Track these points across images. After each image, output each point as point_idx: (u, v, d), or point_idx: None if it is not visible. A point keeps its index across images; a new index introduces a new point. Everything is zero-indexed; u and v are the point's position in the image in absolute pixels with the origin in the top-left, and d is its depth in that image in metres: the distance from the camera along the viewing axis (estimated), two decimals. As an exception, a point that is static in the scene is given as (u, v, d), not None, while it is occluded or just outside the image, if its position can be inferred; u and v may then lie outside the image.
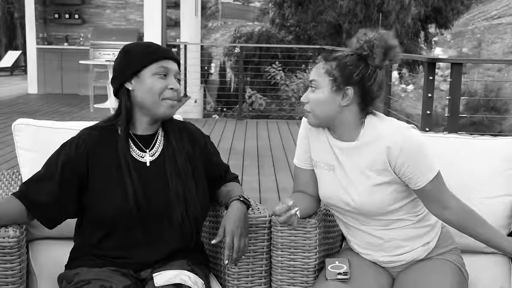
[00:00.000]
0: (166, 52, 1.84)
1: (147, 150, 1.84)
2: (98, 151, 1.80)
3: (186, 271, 1.76)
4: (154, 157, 1.84)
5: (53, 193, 1.75)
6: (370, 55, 1.75)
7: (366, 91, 1.76)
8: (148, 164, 1.83)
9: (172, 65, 1.82)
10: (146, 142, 1.85)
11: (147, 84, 1.79)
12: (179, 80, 1.86)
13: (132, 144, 1.83)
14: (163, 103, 1.80)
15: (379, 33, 1.77)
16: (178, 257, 1.82)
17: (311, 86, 1.80)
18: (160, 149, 1.85)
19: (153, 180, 1.81)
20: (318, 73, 1.79)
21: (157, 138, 1.87)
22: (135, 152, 1.83)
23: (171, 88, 1.80)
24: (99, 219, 1.77)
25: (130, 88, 1.81)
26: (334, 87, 1.76)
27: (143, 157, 1.83)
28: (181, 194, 1.80)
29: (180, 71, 1.87)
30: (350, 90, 1.75)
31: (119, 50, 1.88)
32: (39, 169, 1.81)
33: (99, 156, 1.80)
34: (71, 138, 1.84)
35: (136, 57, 1.81)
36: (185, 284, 1.70)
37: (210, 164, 1.95)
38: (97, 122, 1.90)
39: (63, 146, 1.83)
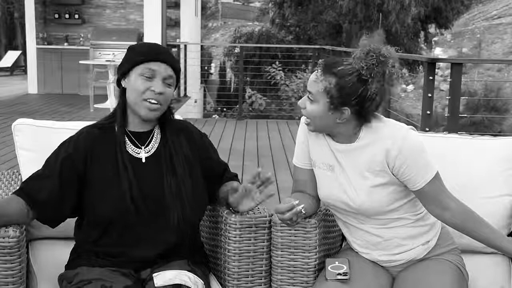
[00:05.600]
0: (158, 55, 1.82)
1: (142, 147, 1.86)
2: (96, 149, 1.82)
3: (186, 271, 1.76)
4: (149, 154, 1.85)
5: (53, 190, 1.76)
6: (369, 81, 1.71)
7: (364, 110, 1.75)
8: (143, 160, 1.84)
9: (162, 69, 1.81)
10: (141, 139, 1.87)
11: (132, 84, 1.81)
12: (169, 85, 1.84)
13: (127, 141, 1.85)
14: (144, 104, 1.80)
15: (383, 55, 1.70)
16: (178, 257, 1.82)
17: (309, 97, 1.78)
18: (156, 146, 1.87)
19: (148, 176, 1.82)
20: (316, 87, 1.74)
21: (153, 135, 1.88)
22: (131, 148, 1.85)
23: (153, 91, 1.79)
24: (97, 215, 1.78)
25: (123, 86, 1.85)
26: (331, 106, 1.73)
27: (138, 153, 1.85)
28: (176, 192, 1.81)
29: (174, 76, 1.85)
30: (346, 111, 1.74)
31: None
32: (39, 168, 1.82)
33: (97, 153, 1.82)
34: (70, 136, 1.86)
35: (130, 57, 1.84)
36: (185, 284, 1.70)
37: (208, 162, 1.95)
38: (96, 121, 1.92)
39: (62, 144, 1.85)
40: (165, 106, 1.85)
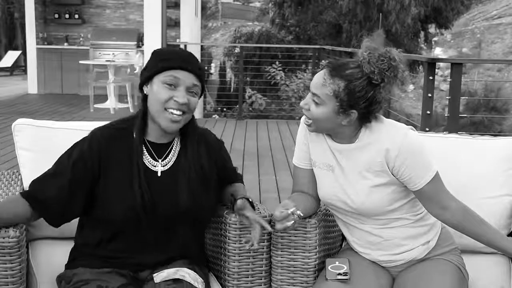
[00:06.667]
0: (182, 63, 1.74)
1: (160, 160, 1.80)
2: (111, 151, 1.76)
3: (185, 268, 1.77)
4: (166, 168, 1.80)
5: (63, 189, 1.72)
6: (380, 85, 1.70)
7: (369, 112, 1.75)
8: (159, 174, 1.79)
9: (186, 77, 1.74)
10: (159, 151, 1.80)
11: (154, 92, 1.74)
12: (195, 94, 1.76)
13: (145, 151, 1.79)
14: (166, 115, 1.72)
15: (394, 60, 1.69)
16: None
17: (314, 100, 1.76)
18: (173, 160, 1.81)
19: (162, 190, 1.77)
20: (324, 90, 1.72)
21: (172, 147, 1.83)
22: (147, 160, 1.79)
23: (176, 101, 1.72)
24: (105, 219, 1.75)
25: (145, 92, 1.78)
26: (340, 110, 1.73)
27: (155, 166, 1.79)
28: (189, 209, 1.77)
29: (199, 84, 1.77)
30: (354, 114, 1.74)
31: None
32: (50, 167, 1.77)
33: (112, 156, 1.76)
34: (84, 137, 1.80)
35: (153, 62, 1.77)
36: (184, 279, 1.71)
37: (223, 172, 1.95)
38: (110, 121, 1.86)
39: (76, 144, 1.79)
40: (189, 115, 1.77)
